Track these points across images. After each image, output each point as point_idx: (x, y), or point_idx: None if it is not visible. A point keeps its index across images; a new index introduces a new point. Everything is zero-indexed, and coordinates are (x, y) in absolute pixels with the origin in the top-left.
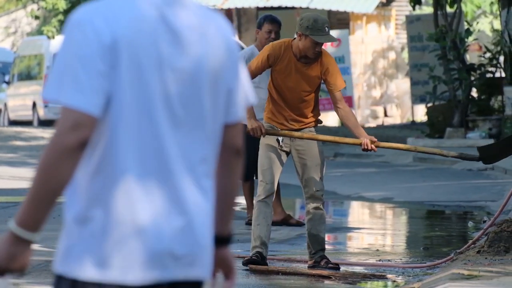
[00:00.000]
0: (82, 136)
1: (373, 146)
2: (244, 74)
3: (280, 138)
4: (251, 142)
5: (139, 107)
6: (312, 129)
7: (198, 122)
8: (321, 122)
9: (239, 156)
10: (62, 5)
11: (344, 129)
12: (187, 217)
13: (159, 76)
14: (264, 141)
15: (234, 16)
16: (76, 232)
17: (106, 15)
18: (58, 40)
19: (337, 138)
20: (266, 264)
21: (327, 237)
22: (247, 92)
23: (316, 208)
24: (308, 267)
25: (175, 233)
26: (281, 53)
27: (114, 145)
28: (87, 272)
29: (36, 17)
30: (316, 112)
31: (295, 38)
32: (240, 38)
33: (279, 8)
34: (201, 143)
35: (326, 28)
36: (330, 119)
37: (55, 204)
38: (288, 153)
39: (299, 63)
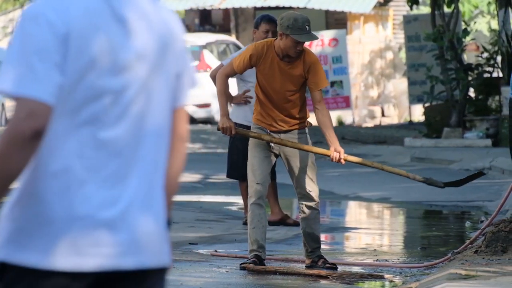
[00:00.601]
0: (38, 125)
1: (342, 160)
2: (189, 60)
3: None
4: (248, 142)
5: (86, 97)
6: (302, 130)
7: (149, 110)
8: (310, 124)
9: (183, 142)
10: None
11: (340, 129)
12: (124, 204)
13: (109, 66)
14: (254, 141)
15: (232, 16)
16: (8, 217)
17: (57, 8)
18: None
19: (305, 147)
20: (264, 265)
21: (324, 237)
22: (192, 77)
23: (310, 207)
24: (306, 266)
25: (107, 221)
26: (264, 53)
27: (54, 134)
28: (11, 255)
29: None
30: (303, 112)
31: (277, 38)
32: (237, 38)
33: (277, 8)
34: (153, 131)
35: (307, 27)
36: None
37: (8, 192)
38: (277, 155)
39: (282, 63)
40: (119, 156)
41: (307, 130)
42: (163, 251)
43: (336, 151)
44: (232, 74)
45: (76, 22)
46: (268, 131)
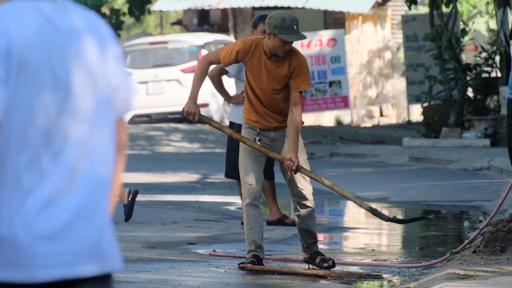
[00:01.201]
0: None
1: (294, 170)
2: (126, 70)
3: (257, 138)
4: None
5: (31, 113)
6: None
7: (93, 119)
8: (303, 123)
9: (123, 150)
10: None
11: (338, 129)
12: (65, 217)
13: (52, 80)
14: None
15: (230, 16)
16: None
17: None
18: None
19: (263, 149)
20: (262, 265)
21: (323, 237)
22: (130, 87)
23: (303, 205)
24: (304, 260)
25: (49, 233)
26: (252, 50)
27: (4, 149)
28: None
29: None
30: None
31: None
32: (235, 38)
33: (275, 8)
34: (97, 138)
35: (295, 27)
36: (325, 119)
37: None
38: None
39: (269, 61)
40: (62, 169)
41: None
42: (106, 258)
43: (291, 160)
44: (216, 62)
45: (18, 39)
46: (258, 129)
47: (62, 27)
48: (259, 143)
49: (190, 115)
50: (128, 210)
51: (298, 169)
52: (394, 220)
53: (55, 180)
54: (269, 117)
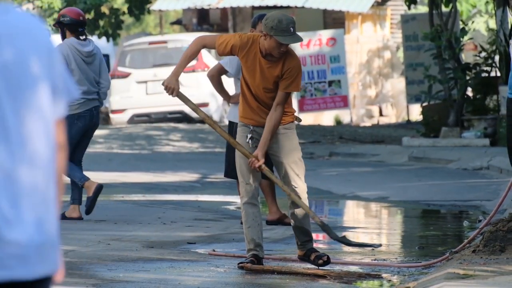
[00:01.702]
0: None
1: (257, 168)
2: (64, 72)
3: (249, 135)
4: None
5: None
6: (287, 125)
7: (27, 121)
8: (300, 120)
9: (62, 150)
10: (57, 4)
11: (338, 128)
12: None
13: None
14: (238, 141)
15: (229, 15)
16: None
17: None
18: (54, 39)
19: (232, 140)
20: (262, 264)
21: (322, 236)
22: (69, 88)
23: (297, 204)
24: (298, 256)
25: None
26: (248, 47)
27: None
28: None
29: None
30: (287, 109)
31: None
32: None
33: (274, 7)
34: (32, 140)
35: (291, 29)
36: (325, 118)
37: None
38: None
39: (263, 60)
40: (14, 180)
41: (293, 126)
42: (51, 261)
43: (256, 158)
44: (210, 47)
45: None
46: (251, 127)
47: (1, 29)
48: (250, 141)
49: (169, 90)
50: (89, 203)
51: (261, 168)
52: (342, 240)
53: (11, 186)
54: (262, 113)
